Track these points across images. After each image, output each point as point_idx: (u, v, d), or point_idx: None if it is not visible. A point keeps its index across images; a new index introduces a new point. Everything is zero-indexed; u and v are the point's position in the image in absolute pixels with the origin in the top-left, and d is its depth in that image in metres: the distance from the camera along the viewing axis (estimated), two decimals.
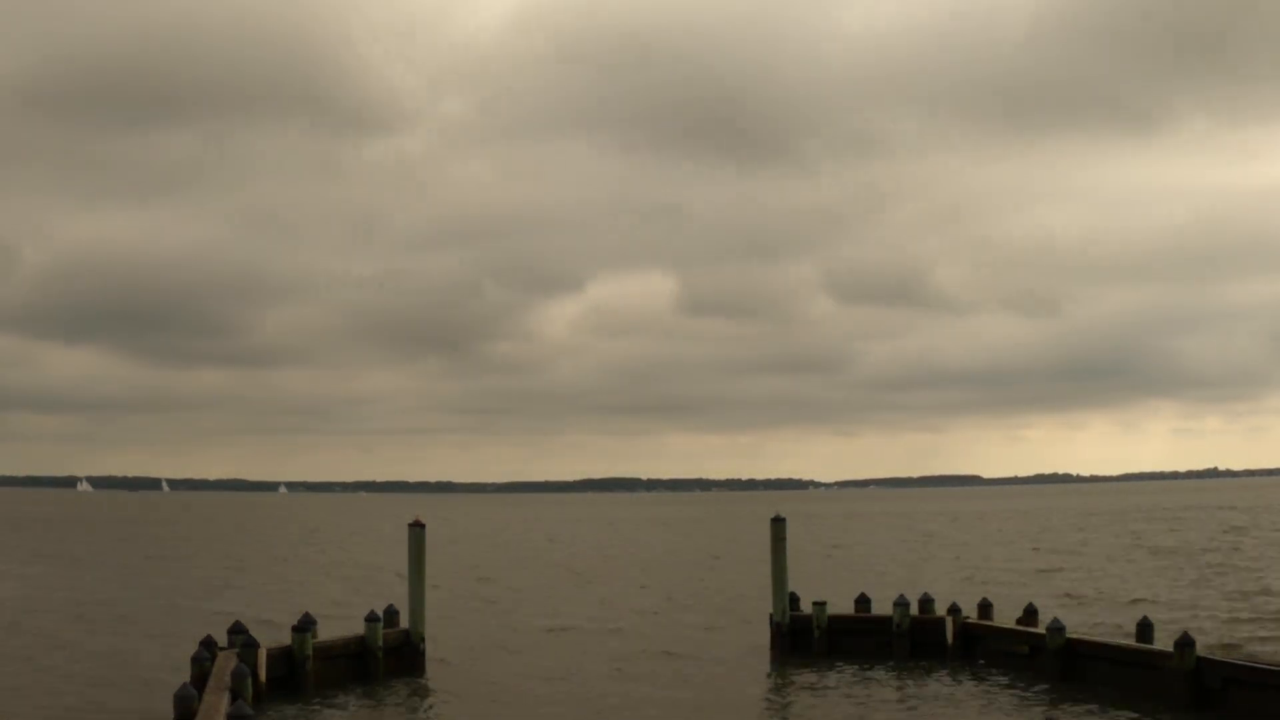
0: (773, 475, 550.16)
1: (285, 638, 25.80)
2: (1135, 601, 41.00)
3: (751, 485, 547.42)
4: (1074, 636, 26.50)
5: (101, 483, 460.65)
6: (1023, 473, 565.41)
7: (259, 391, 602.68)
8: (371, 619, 27.20)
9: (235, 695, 20.16)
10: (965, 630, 28.89)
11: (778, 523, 30.97)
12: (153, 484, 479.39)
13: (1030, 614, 28.93)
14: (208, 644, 23.56)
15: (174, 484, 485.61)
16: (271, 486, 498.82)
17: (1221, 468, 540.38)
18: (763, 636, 31.92)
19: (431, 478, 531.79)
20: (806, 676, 27.89)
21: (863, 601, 31.27)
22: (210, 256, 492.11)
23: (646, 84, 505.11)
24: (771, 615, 31.04)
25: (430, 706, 25.21)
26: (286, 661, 24.86)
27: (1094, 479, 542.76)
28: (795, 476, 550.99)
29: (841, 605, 31.33)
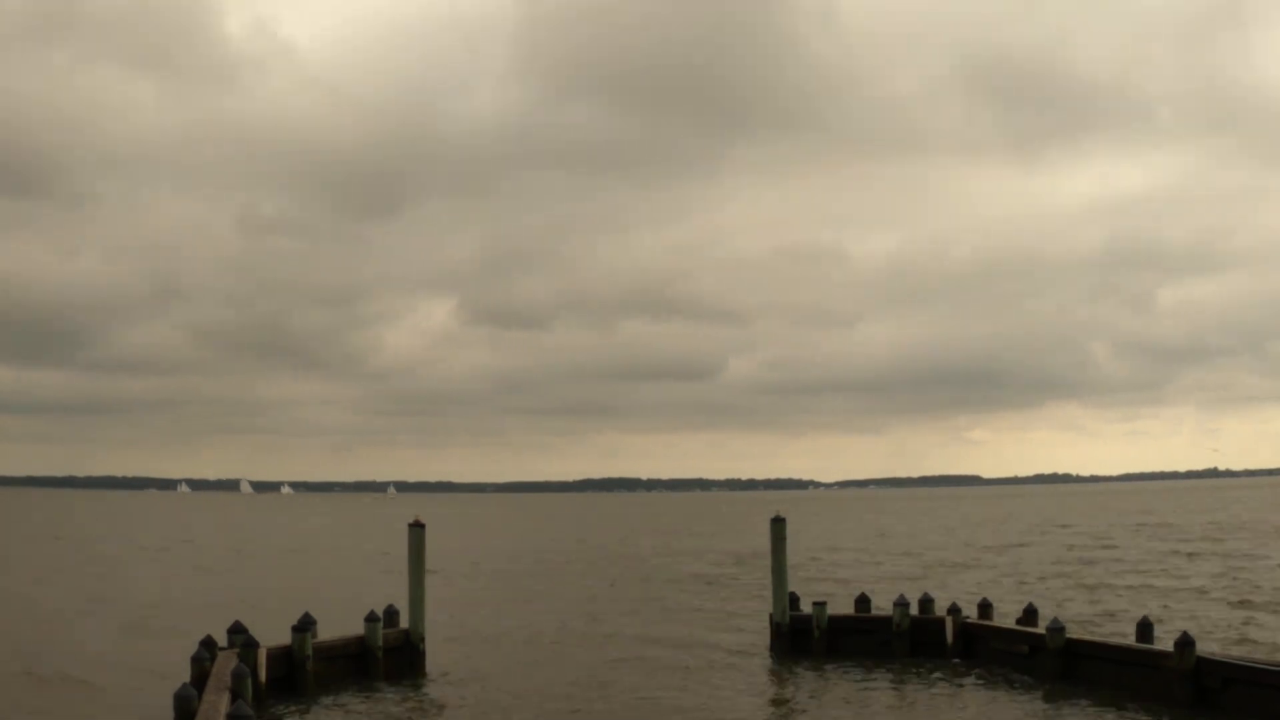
0: (773, 475, 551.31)
1: (285, 638, 25.81)
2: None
3: (751, 485, 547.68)
4: (1074, 636, 26.51)
5: None
6: (1023, 473, 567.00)
7: None
8: (371, 619, 27.20)
9: (235, 695, 20.17)
10: (965, 630, 28.90)
11: (777, 523, 30.97)
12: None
13: (1030, 614, 28.94)
14: (208, 644, 23.56)
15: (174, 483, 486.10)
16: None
17: (1221, 468, 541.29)
18: (762, 636, 31.97)
19: (431, 478, 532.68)
20: (806, 677, 27.91)
21: (863, 601, 31.28)
22: None
23: None
24: (771, 615, 31.06)
25: (430, 706, 25.20)
26: (286, 661, 24.87)
27: (1094, 479, 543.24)
28: (795, 476, 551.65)
29: (836, 605, 31.36)
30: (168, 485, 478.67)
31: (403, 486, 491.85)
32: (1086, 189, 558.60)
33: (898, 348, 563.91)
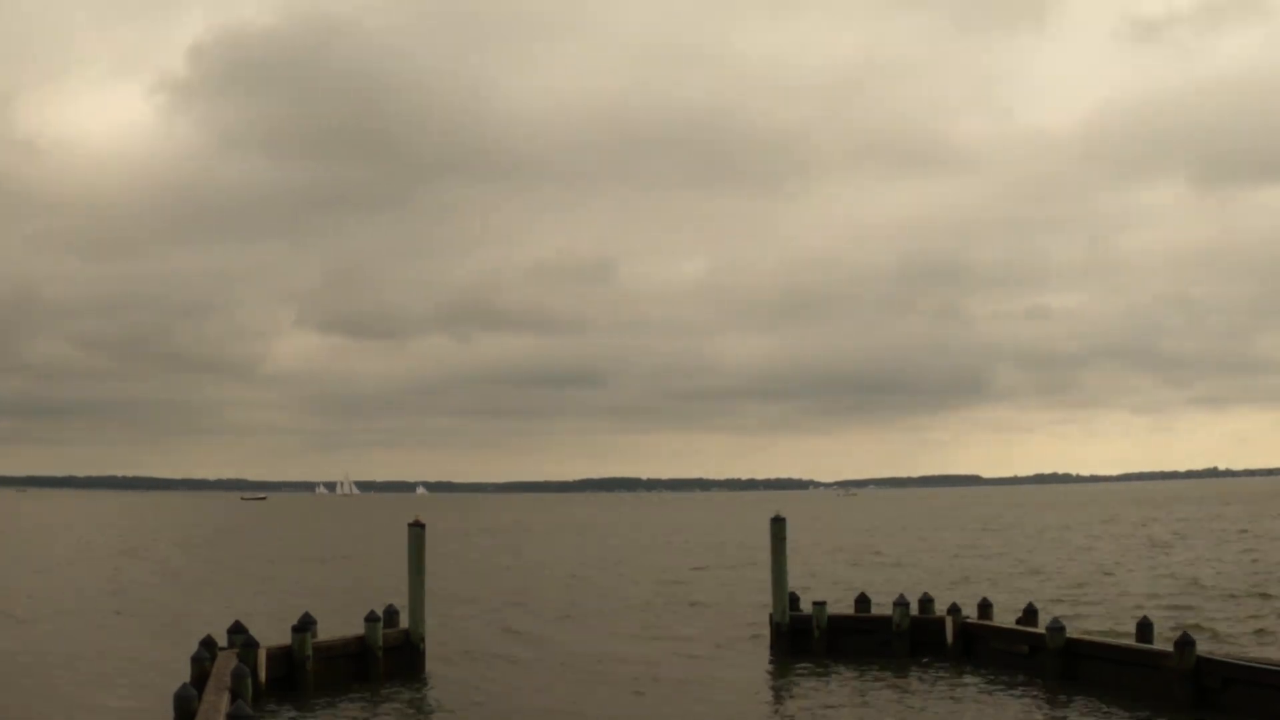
0: (773, 475, 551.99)
1: (285, 637, 25.81)
2: None
3: (751, 485, 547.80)
4: (1074, 636, 26.51)
5: None
6: (1022, 473, 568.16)
7: None
8: (371, 619, 27.20)
9: (235, 695, 20.17)
10: (965, 630, 28.89)
11: (777, 523, 30.97)
12: None
13: (1030, 614, 28.94)
14: (208, 644, 23.56)
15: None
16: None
17: (1221, 467, 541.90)
18: (762, 636, 31.97)
19: (431, 478, 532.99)
20: (806, 677, 27.90)
21: (863, 601, 31.28)
22: None
23: None
24: (771, 615, 31.05)
25: (430, 707, 25.20)
26: (286, 661, 24.87)
27: (1094, 479, 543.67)
28: (795, 477, 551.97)
29: (838, 605, 31.36)
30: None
31: (391, 487, 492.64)
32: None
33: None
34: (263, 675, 23.76)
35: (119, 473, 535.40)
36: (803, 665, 29.02)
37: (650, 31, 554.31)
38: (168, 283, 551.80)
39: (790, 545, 31.83)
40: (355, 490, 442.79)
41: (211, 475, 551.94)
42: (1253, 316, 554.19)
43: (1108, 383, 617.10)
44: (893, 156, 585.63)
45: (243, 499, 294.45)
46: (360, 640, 26.90)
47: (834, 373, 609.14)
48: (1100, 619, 36.32)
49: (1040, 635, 26.56)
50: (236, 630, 24.81)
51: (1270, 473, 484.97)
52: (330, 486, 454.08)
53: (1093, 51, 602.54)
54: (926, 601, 30.37)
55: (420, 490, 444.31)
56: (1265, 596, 42.97)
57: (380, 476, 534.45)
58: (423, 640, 28.15)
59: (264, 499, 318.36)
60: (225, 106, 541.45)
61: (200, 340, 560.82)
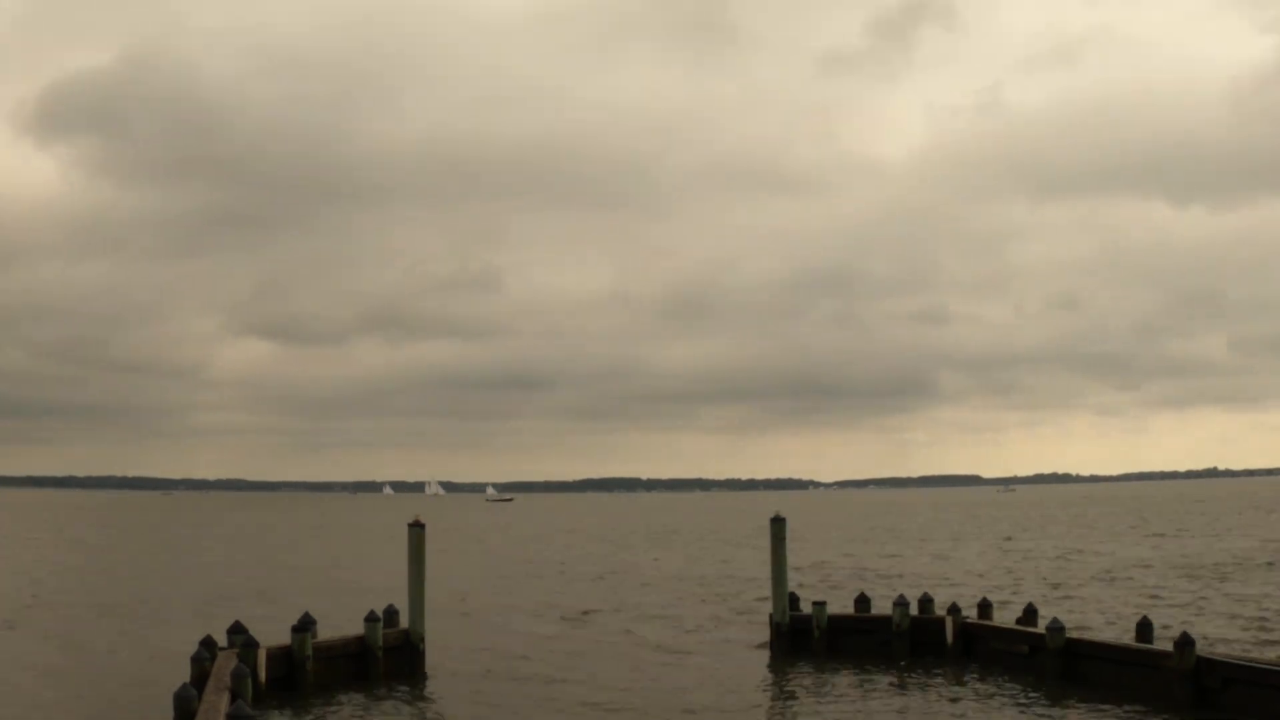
0: (773, 475, 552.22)
1: (285, 637, 25.81)
2: None
3: (751, 485, 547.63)
4: (1074, 636, 26.51)
5: None
6: (1022, 472, 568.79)
7: None
8: (371, 619, 27.19)
9: (235, 695, 20.16)
10: (965, 630, 28.89)
11: (777, 523, 30.97)
12: None
13: (1030, 614, 28.94)
14: (208, 644, 23.56)
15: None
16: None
17: (1221, 467, 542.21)
18: (762, 636, 31.96)
19: (431, 478, 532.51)
20: (806, 677, 27.90)
21: (862, 601, 31.28)
22: None
23: None
24: (771, 615, 31.05)
25: (430, 706, 25.20)
26: (286, 661, 24.86)
27: (1094, 479, 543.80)
28: (795, 476, 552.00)
29: (836, 605, 31.34)
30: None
31: (400, 486, 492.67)
32: None
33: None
34: (263, 675, 23.75)
35: (120, 473, 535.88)
36: (803, 665, 29.02)
37: (495, 72, 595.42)
38: (83, 297, 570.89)
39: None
40: (441, 490, 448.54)
41: (212, 475, 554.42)
42: (1176, 320, 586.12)
43: (1051, 385, 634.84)
44: (746, 179, 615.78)
45: (488, 500, 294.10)
46: (360, 640, 26.90)
47: (783, 376, 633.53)
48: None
49: (1040, 635, 26.56)
50: (236, 630, 24.79)
51: (1271, 472, 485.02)
52: (419, 487, 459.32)
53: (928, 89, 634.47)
54: (926, 601, 30.36)
55: (489, 491, 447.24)
56: None
57: (383, 477, 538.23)
58: (423, 640, 28.14)
59: (511, 500, 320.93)
60: (90, 142, 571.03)
61: (140, 347, 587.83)
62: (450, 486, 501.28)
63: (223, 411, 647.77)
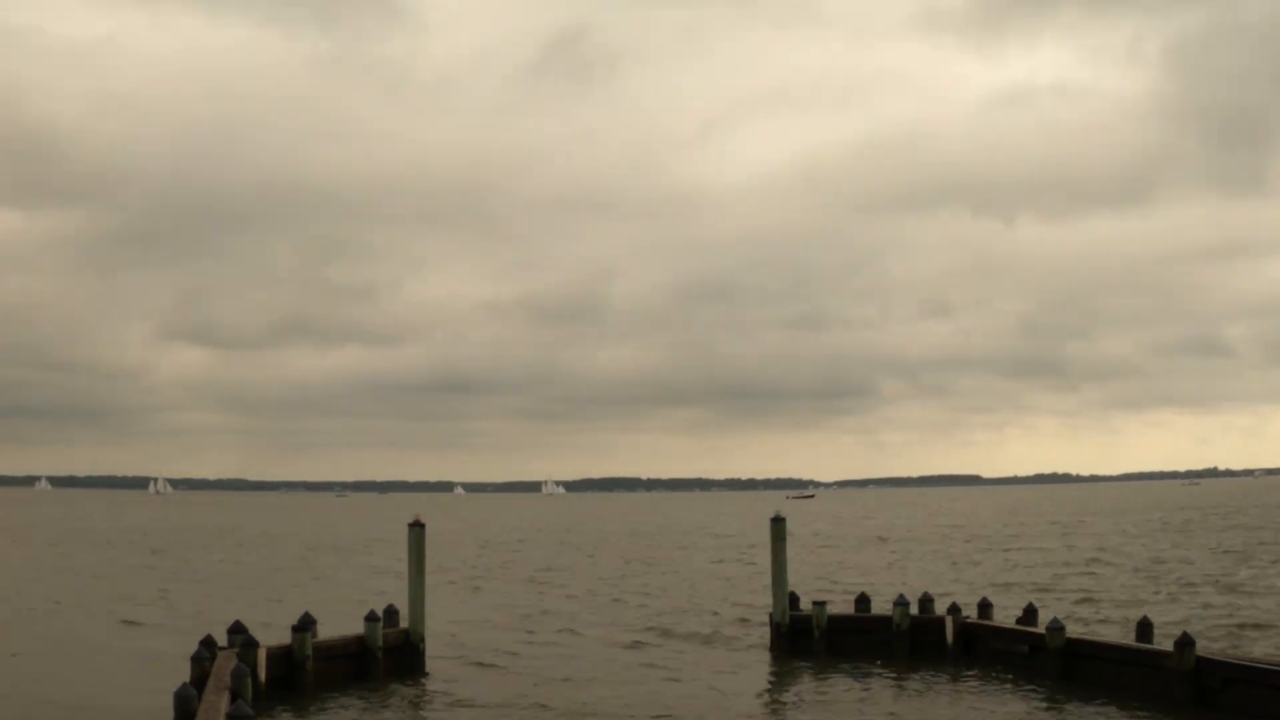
0: (773, 475, 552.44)
1: (285, 637, 25.81)
2: None
3: (751, 485, 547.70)
4: (1074, 636, 26.51)
5: None
6: (1022, 472, 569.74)
7: None
8: (371, 619, 27.20)
9: (235, 695, 20.17)
10: (965, 630, 28.89)
11: (777, 523, 30.97)
12: None
13: (1030, 614, 28.93)
14: (208, 644, 23.57)
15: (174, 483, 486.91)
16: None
17: (1221, 468, 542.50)
18: (762, 636, 31.96)
19: (433, 477, 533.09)
20: (806, 677, 27.90)
21: (862, 601, 31.28)
22: None
23: None
24: (771, 615, 31.05)
25: (430, 707, 25.20)
26: (286, 661, 24.87)
27: (1094, 479, 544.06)
28: (795, 476, 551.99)
29: (836, 605, 31.34)
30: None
31: (405, 486, 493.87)
32: None
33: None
34: (263, 675, 23.76)
35: (120, 473, 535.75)
36: (803, 665, 29.02)
37: (310, 110, 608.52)
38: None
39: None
40: (560, 489, 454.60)
41: (212, 475, 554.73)
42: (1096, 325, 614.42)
43: (985, 389, 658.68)
44: (590, 205, 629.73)
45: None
46: (360, 640, 26.90)
47: (721, 380, 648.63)
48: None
49: (1040, 635, 26.56)
50: (236, 630, 24.80)
51: (1271, 472, 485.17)
52: (535, 486, 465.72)
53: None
54: (926, 601, 30.35)
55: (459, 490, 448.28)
56: None
57: (379, 476, 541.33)
58: (423, 640, 28.15)
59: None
60: None
61: (89, 352, 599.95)
62: (452, 487, 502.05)
63: (177, 413, 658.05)
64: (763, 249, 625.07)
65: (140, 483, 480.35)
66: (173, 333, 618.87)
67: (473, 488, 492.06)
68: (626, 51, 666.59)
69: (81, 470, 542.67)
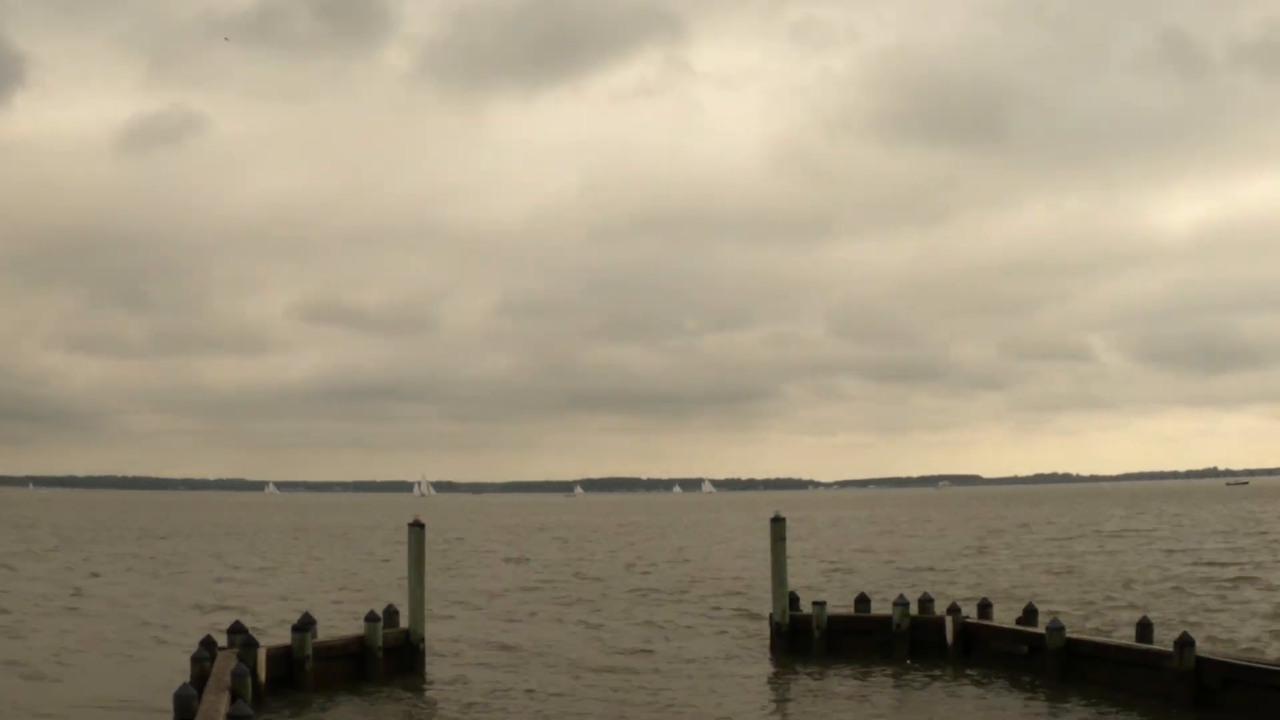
0: (773, 475, 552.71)
1: (285, 637, 25.82)
2: None
3: (751, 485, 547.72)
4: (1074, 636, 26.51)
5: None
6: (1023, 472, 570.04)
7: None
8: (371, 619, 27.20)
9: (235, 695, 20.18)
10: (965, 630, 28.89)
11: (777, 523, 30.97)
12: None
13: (1030, 614, 28.93)
14: (207, 644, 23.57)
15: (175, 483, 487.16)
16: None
17: (1221, 467, 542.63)
18: (762, 636, 31.96)
19: (432, 477, 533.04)
20: (806, 677, 27.91)
21: (862, 601, 31.28)
22: None
23: None
24: (771, 615, 31.05)
25: (430, 707, 25.22)
26: (286, 661, 24.87)
27: (1094, 478, 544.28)
28: (795, 476, 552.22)
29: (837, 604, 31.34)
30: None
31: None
32: None
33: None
34: (263, 675, 23.76)
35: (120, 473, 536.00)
36: (803, 665, 29.03)
37: None
38: None
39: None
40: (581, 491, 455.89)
41: (212, 475, 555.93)
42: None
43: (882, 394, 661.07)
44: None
45: (1228, 485, 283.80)
46: (360, 640, 26.90)
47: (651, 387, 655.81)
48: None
49: (1040, 635, 26.56)
50: (236, 630, 24.80)
51: (1271, 472, 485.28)
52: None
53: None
54: (926, 601, 30.35)
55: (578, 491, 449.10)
56: None
57: (375, 476, 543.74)
58: (423, 640, 28.15)
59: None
60: None
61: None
62: (451, 487, 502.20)
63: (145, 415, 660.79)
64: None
65: (149, 483, 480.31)
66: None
67: (440, 486, 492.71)
68: None
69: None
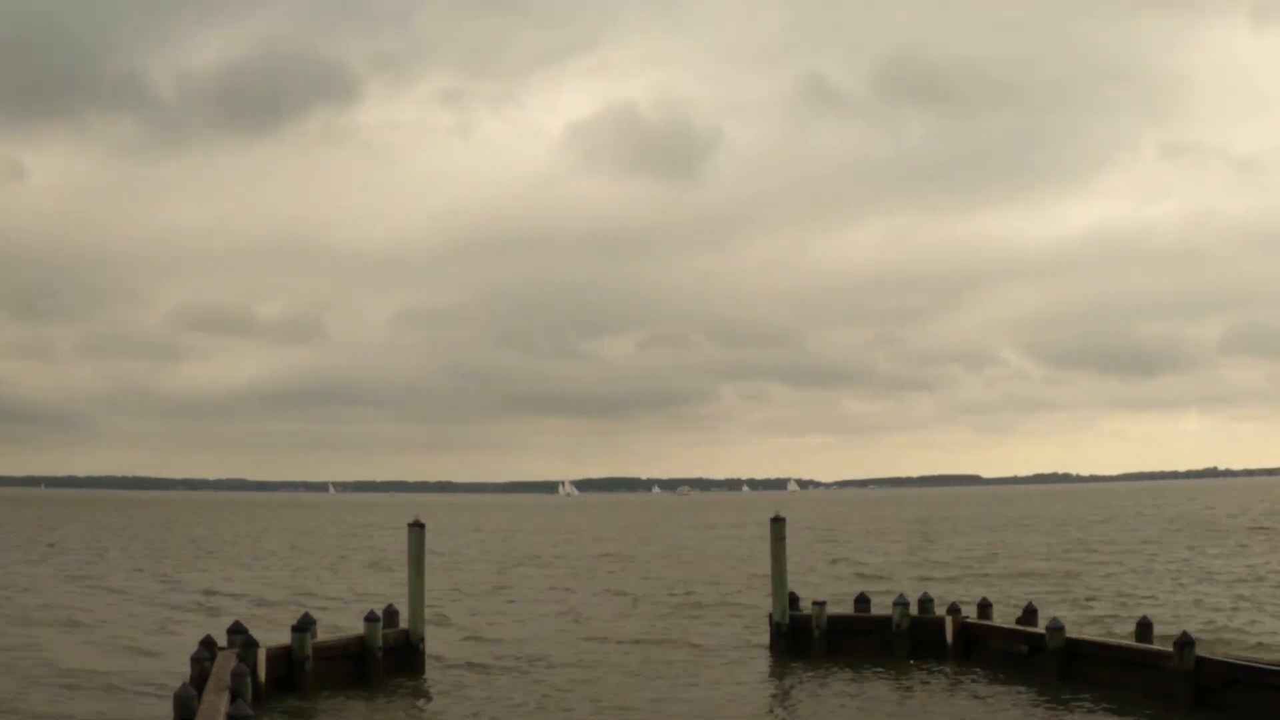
0: (772, 475, 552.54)
1: (285, 637, 25.80)
2: None
3: (751, 485, 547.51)
4: (1074, 636, 26.51)
5: None
6: (1022, 473, 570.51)
7: None
8: (371, 619, 27.19)
9: (235, 695, 20.16)
10: (965, 630, 28.89)
11: (777, 523, 30.96)
12: None
13: (1030, 614, 28.93)
14: (207, 644, 23.55)
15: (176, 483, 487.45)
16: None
17: (1221, 467, 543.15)
18: (762, 636, 31.95)
19: (431, 478, 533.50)
20: (806, 677, 27.90)
21: (862, 601, 31.27)
22: None
23: None
24: (771, 615, 31.04)
25: (430, 706, 25.21)
26: (286, 661, 24.85)
27: (1094, 479, 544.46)
28: (795, 476, 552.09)
29: (835, 605, 31.33)
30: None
31: (403, 487, 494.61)
32: None
33: None
34: (263, 675, 23.74)
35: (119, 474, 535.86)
36: (802, 665, 29.02)
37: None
38: None
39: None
40: (575, 491, 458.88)
41: (212, 476, 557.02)
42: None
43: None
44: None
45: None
46: (360, 640, 26.87)
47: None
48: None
49: (1040, 635, 26.56)
50: (236, 630, 24.79)
51: (1271, 472, 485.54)
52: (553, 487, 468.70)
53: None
54: (926, 601, 30.34)
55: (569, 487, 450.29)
56: None
57: (364, 477, 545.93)
58: (423, 640, 28.14)
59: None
60: None
61: None
62: (451, 487, 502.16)
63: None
64: None
65: (149, 484, 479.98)
66: None
67: (439, 487, 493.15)
68: None
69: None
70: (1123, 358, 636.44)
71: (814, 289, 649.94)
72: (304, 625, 25.58)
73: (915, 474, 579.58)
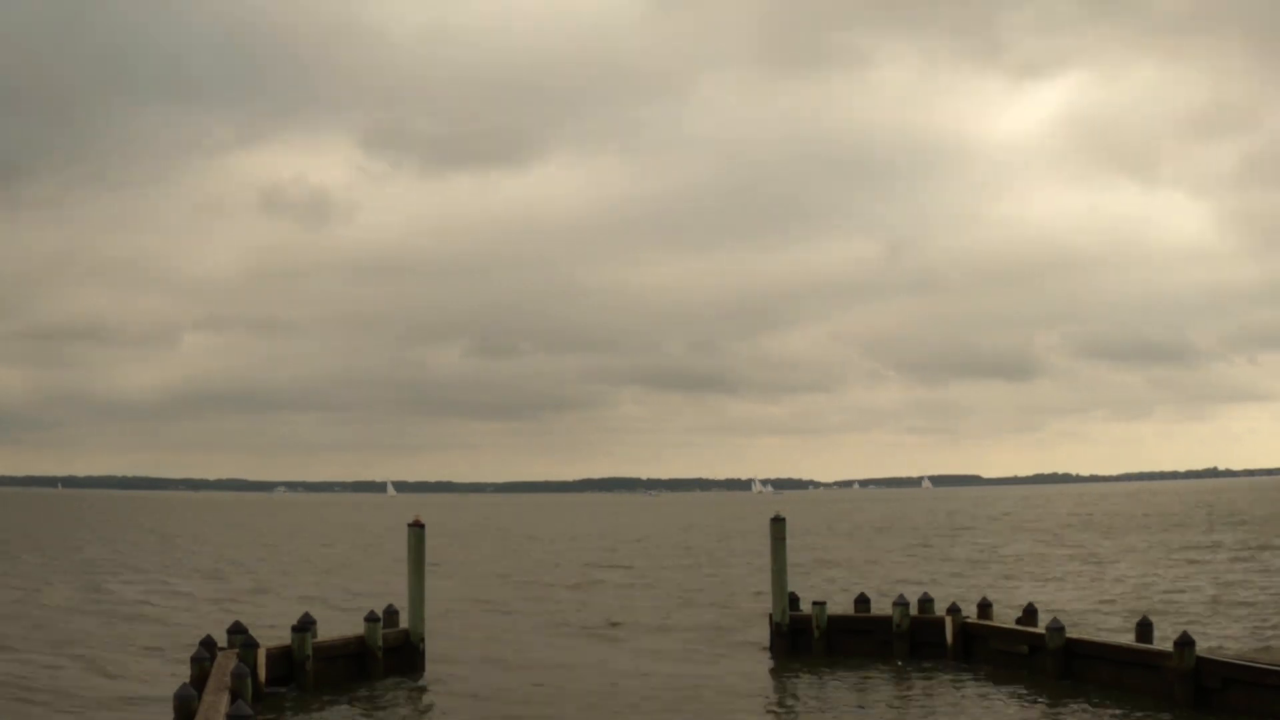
0: (772, 475, 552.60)
1: (285, 637, 25.81)
2: None
3: (751, 485, 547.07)
4: (1073, 636, 26.50)
5: None
6: (1023, 472, 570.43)
7: None
8: (371, 619, 27.20)
9: (235, 695, 20.17)
10: (965, 630, 28.88)
11: (777, 523, 30.96)
12: None
13: (1030, 614, 28.92)
14: (208, 644, 23.55)
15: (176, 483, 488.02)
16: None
17: (1221, 467, 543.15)
18: (762, 636, 31.94)
19: (431, 477, 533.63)
20: (806, 677, 27.90)
21: (862, 601, 31.27)
22: None
23: None
24: (771, 615, 31.03)
25: (429, 706, 25.20)
26: (286, 661, 24.86)
27: (1094, 479, 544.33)
28: (795, 476, 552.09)
29: (835, 604, 31.30)
30: None
31: (402, 486, 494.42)
32: None
33: None
34: (263, 675, 23.75)
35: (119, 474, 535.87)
36: (803, 665, 29.02)
37: None
38: None
39: None
40: (769, 489, 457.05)
41: (212, 475, 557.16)
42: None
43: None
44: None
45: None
46: (360, 640, 26.90)
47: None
48: None
49: (1040, 635, 26.55)
50: (236, 630, 24.79)
51: (1270, 472, 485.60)
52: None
53: None
54: (926, 601, 30.34)
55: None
56: None
57: (356, 476, 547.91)
58: (423, 640, 28.15)
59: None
60: None
61: None
62: (450, 487, 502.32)
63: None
64: None
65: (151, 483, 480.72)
66: None
67: (437, 487, 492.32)
68: None
69: None
70: (1123, 359, 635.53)
71: None
72: (304, 625, 25.59)
73: (915, 474, 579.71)
